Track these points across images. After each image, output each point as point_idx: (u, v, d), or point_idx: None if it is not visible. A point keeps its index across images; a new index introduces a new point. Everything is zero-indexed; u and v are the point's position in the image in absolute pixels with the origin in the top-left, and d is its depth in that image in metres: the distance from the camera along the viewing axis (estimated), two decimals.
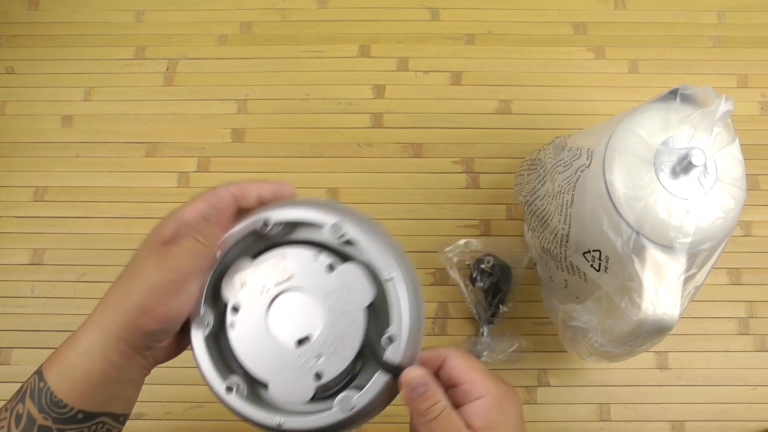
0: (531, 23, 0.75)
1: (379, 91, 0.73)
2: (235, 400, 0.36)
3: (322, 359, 0.35)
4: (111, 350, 0.35)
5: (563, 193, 0.50)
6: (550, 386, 0.64)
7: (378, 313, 0.37)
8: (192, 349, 0.37)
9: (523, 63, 0.74)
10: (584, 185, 0.47)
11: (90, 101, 0.73)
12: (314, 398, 0.36)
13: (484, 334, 0.64)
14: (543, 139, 0.66)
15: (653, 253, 0.44)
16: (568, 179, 0.49)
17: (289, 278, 0.37)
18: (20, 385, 0.37)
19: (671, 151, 0.44)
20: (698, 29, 0.75)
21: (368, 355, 0.36)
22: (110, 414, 0.37)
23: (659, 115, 0.46)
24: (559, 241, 0.52)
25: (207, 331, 0.37)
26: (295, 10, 0.76)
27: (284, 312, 0.36)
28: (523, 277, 0.66)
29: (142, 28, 0.75)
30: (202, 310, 0.37)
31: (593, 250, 0.48)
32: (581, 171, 0.48)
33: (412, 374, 0.34)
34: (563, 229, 0.51)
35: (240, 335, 0.36)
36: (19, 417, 0.35)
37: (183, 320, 0.36)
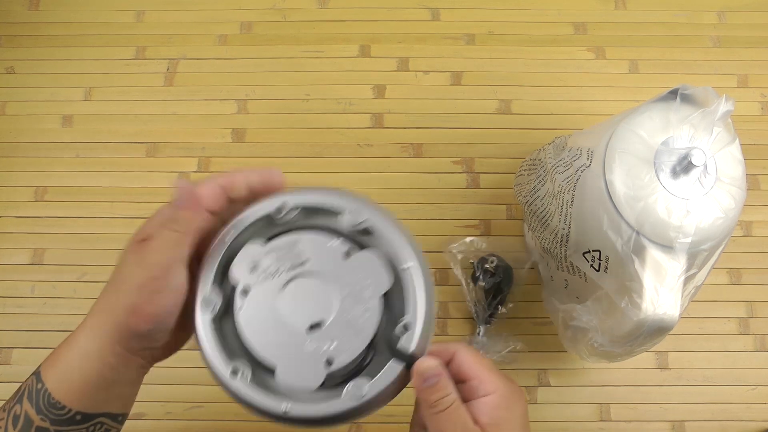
0: (531, 23, 0.75)
1: (380, 91, 0.73)
2: (239, 385, 0.35)
3: (333, 345, 0.35)
4: (107, 353, 0.35)
5: (563, 193, 0.50)
6: (550, 386, 0.64)
7: (391, 302, 0.36)
8: (195, 332, 0.36)
9: (523, 63, 0.74)
10: (584, 185, 0.47)
11: (90, 101, 0.73)
12: (322, 386, 0.35)
13: (480, 333, 0.64)
14: (543, 139, 0.66)
15: (653, 253, 0.44)
16: (568, 179, 0.49)
17: (303, 263, 0.36)
18: (19, 385, 0.37)
19: (671, 151, 0.44)
20: (698, 29, 0.75)
21: (380, 344, 0.36)
22: (109, 414, 0.37)
23: (659, 115, 0.46)
24: (559, 241, 0.52)
25: (213, 314, 0.36)
26: (295, 10, 0.76)
27: (297, 296, 0.36)
28: (523, 277, 0.66)
29: (142, 28, 0.75)
30: (209, 291, 0.36)
31: (593, 250, 0.48)
32: (581, 171, 0.48)
33: (426, 364, 0.34)
34: (563, 229, 0.51)
35: (248, 318, 0.36)
36: (16, 418, 0.35)
37: (175, 316, 0.35)
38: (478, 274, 0.64)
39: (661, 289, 0.44)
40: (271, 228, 0.38)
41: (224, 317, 0.37)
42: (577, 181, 0.48)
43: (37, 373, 0.36)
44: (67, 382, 0.35)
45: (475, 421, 0.34)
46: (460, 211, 0.69)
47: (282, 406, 0.34)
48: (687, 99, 0.46)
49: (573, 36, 0.75)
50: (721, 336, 0.65)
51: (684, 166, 0.43)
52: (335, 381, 0.35)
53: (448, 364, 0.36)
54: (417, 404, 0.38)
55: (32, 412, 0.35)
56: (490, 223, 0.68)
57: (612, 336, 0.48)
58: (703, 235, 0.44)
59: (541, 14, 0.75)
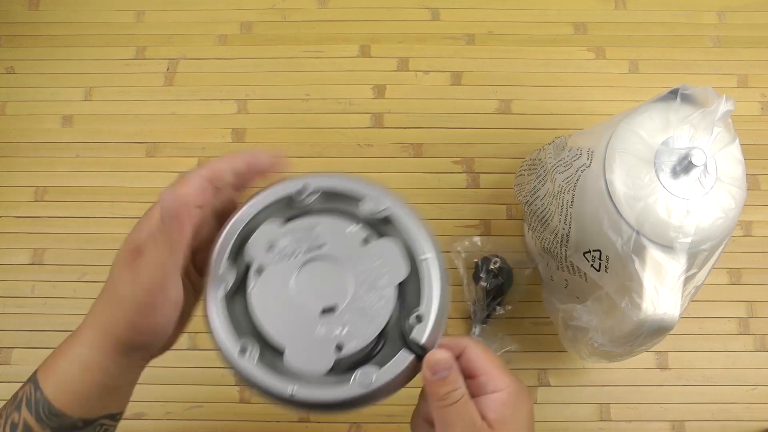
0: (531, 23, 0.75)
1: (380, 91, 0.73)
2: (247, 365, 0.34)
3: (345, 331, 0.35)
4: (108, 363, 0.35)
5: (563, 193, 0.50)
6: (550, 386, 0.64)
7: (405, 292, 0.36)
8: (206, 308, 0.36)
9: (523, 63, 0.74)
10: (584, 185, 0.47)
11: (90, 101, 0.73)
12: (331, 371, 0.35)
13: (476, 333, 0.64)
14: (543, 139, 0.66)
15: (653, 253, 0.44)
16: (569, 179, 0.49)
17: (320, 246, 0.36)
18: (15, 392, 0.37)
19: (671, 151, 0.44)
20: (698, 29, 0.75)
21: (391, 333, 0.36)
22: (109, 415, 0.37)
23: (659, 115, 0.46)
24: (559, 241, 0.52)
25: (225, 291, 0.36)
26: (295, 10, 0.76)
27: (312, 279, 0.36)
28: (523, 277, 0.66)
29: (142, 28, 0.75)
30: (223, 267, 0.36)
31: (593, 250, 0.48)
32: (581, 171, 0.48)
33: (438, 356, 0.34)
34: (563, 229, 0.51)
35: (261, 297, 0.35)
36: (14, 426, 0.35)
37: (174, 324, 0.36)
38: (481, 275, 0.64)
39: (661, 289, 0.44)
40: (289, 209, 0.38)
41: (236, 295, 0.36)
42: (577, 181, 0.48)
43: (34, 381, 0.36)
44: (68, 392, 0.35)
45: (483, 417, 0.34)
46: (460, 211, 0.69)
47: (288, 389, 0.34)
48: (687, 99, 0.46)
49: (573, 36, 0.75)
50: (721, 336, 0.65)
51: (684, 166, 0.43)
52: (344, 367, 0.35)
53: (457, 358, 0.36)
54: (422, 396, 0.38)
55: (32, 421, 0.35)
56: (490, 223, 0.68)
57: (612, 336, 0.48)
58: (703, 235, 0.44)
59: (541, 14, 0.75)
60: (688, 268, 0.44)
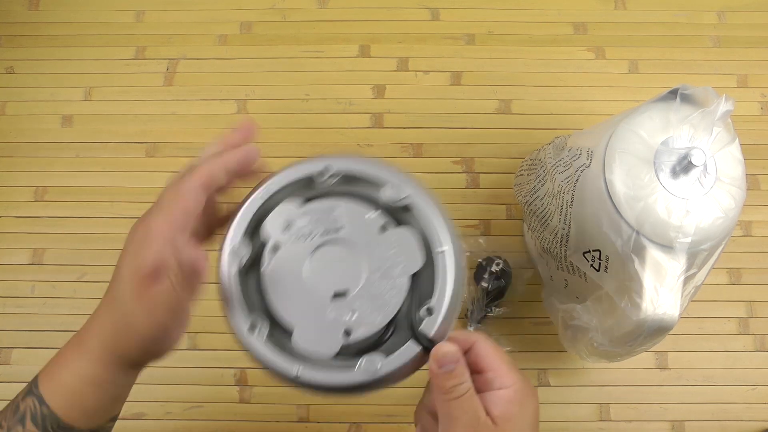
0: (531, 23, 0.75)
1: (379, 91, 0.73)
2: (255, 342, 0.35)
3: (354, 317, 0.35)
4: (118, 377, 0.36)
5: (563, 193, 0.50)
6: (550, 386, 0.64)
7: (419, 283, 0.36)
8: (220, 282, 0.36)
9: (523, 63, 0.74)
10: (584, 185, 0.47)
11: (90, 101, 0.73)
12: (338, 355, 0.35)
13: None
14: (543, 139, 0.66)
15: (653, 253, 0.44)
16: (568, 179, 0.49)
17: (338, 229, 0.36)
18: (15, 393, 0.37)
19: (671, 151, 0.44)
20: (698, 29, 0.75)
21: (401, 322, 0.36)
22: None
23: (659, 115, 0.46)
24: (559, 240, 0.52)
25: (239, 266, 0.36)
26: (295, 10, 0.76)
27: (326, 262, 0.36)
28: (523, 278, 0.66)
29: (142, 28, 0.75)
30: (239, 243, 0.36)
31: (593, 250, 0.48)
32: (581, 171, 0.48)
33: (445, 349, 0.34)
34: (563, 228, 0.51)
35: (274, 275, 0.35)
36: None
37: (181, 337, 0.36)
38: (485, 275, 0.63)
39: (661, 289, 0.44)
40: (309, 190, 0.37)
41: (250, 272, 0.36)
42: (577, 181, 0.48)
43: (38, 396, 0.35)
44: (79, 407, 0.35)
45: (487, 413, 0.34)
46: (459, 211, 0.69)
47: (294, 369, 0.34)
48: (687, 99, 0.46)
49: (573, 36, 0.75)
50: (721, 336, 0.65)
51: (684, 166, 0.43)
52: (351, 352, 0.35)
53: (466, 352, 0.36)
54: (427, 388, 0.38)
55: None
56: (489, 223, 0.68)
57: (612, 336, 0.48)
58: (702, 235, 0.44)
59: (541, 14, 0.75)
60: (688, 268, 0.44)
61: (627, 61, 0.73)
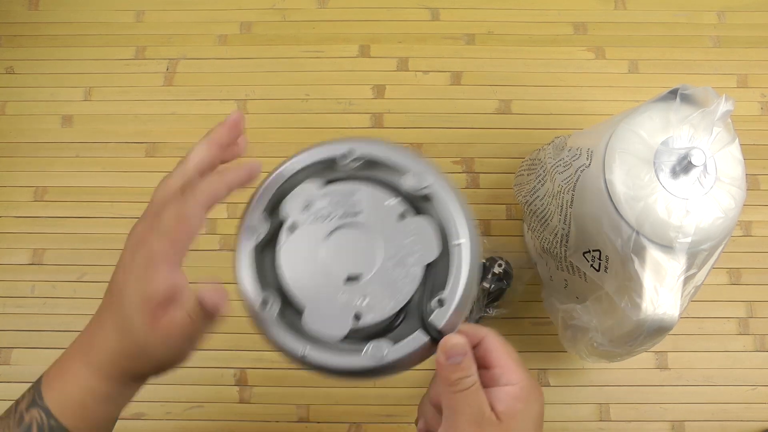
0: (531, 23, 0.75)
1: (379, 91, 0.73)
2: (265, 318, 0.35)
3: (366, 302, 0.35)
4: (128, 391, 0.37)
5: (563, 193, 0.50)
6: (550, 386, 0.64)
7: (433, 273, 0.36)
8: (234, 257, 0.36)
9: (523, 63, 0.74)
10: (584, 185, 0.47)
11: (90, 101, 0.73)
12: (346, 338, 0.35)
13: None
14: (543, 139, 0.66)
15: (653, 253, 0.44)
16: (568, 179, 0.49)
17: (356, 213, 0.36)
18: (15, 414, 0.36)
19: (671, 151, 0.44)
20: (698, 29, 0.75)
21: (412, 311, 0.36)
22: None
23: (659, 115, 0.46)
24: (558, 241, 0.52)
25: (256, 242, 0.36)
26: (295, 10, 0.76)
27: (342, 245, 0.36)
28: (522, 279, 0.66)
29: (142, 28, 0.75)
30: (257, 219, 0.36)
31: (593, 250, 0.48)
32: (581, 171, 0.48)
33: (454, 341, 0.34)
34: (563, 229, 0.51)
35: (290, 254, 0.36)
36: None
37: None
38: (487, 275, 0.63)
39: (661, 289, 0.44)
40: (331, 172, 0.38)
41: (266, 248, 0.37)
42: (576, 181, 0.48)
43: (44, 409, 0.35)
44: (87, 421, 0.35)
45: (492, 408, 0.34)
46: None
47: (301, 349, 0.34)
48: (687, 99, 0.46)
49: (573, 36, 0.75)
50: (721, 336, 0.65)
51: (684, 166, 0.43)
52: (359, 336, 0.35)
53: (474, 347, 0.36)
54: (433, 380, 0.38)
55: None
56: (489, 223, 0.68)
57: (612, 336, 0.48)
58: (702, 235, 0.44)
59: (541, 14, 0.75)
60: (688, 268, 0.44)
61: (627, 61, 0.73)
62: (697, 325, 0.65)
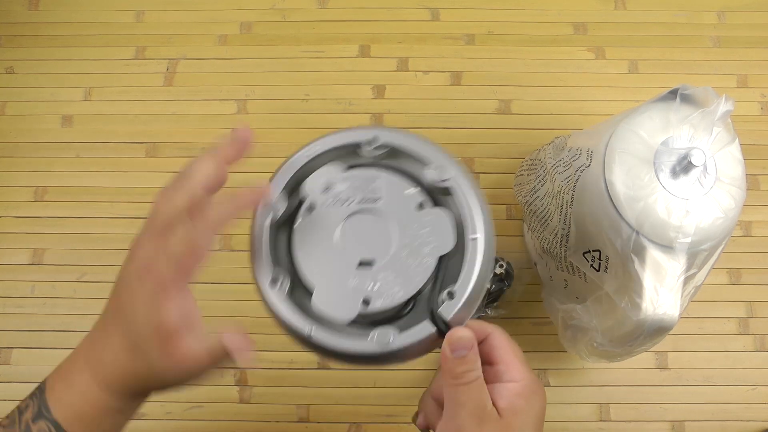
0: (531, 23, 0.75)
1: (379, 91, 0.73)
2: (275, 295, 0.35)
3: (376, 288, 0.35)
4: (135, 403, 0.36)
5: (563, 193, 0.50)
6: (550, 386, 0.64)
7: (445, 265, 0.36)
8: (251, 231, 0.36)
9: (523, 63, 0.74)
10: (584, 185, 0.47)
11: (90, 101, 0.73)
12: (353, 323, 0.35)
13: None
14: (543, 139, 0.66)
15: (653, 253, 0.44)
16: (568, 179, 0.49)
17: (375, 200, 0.36)
18: (18, 410, 0.36)
19: (671, 151, 0.44)
20: (698, 29, 0.75)
21: (421, 302, 0.36)
22: None
23: (659, 115, 0.46)
24: (558, 241, 0.52)
25: (272, 219, 0.36)
26: (295, 10, 0.76)
27: (358, 229, 0.36)
28: (522, 279, 0.66)
29: (142, 28, 0.75)
30: (277, 196, 0.36)
31: (593, 250, 0.48)
32: (581, 171, 0.48)
33: (460, 334, 0.34)
34: (563, 229, 0.51)
35: (305, 234, 0.36)
36: None
37: None
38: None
39: (661, 289, 0.44)
40: (354, 158, 0.38)
41: (282, 227, 0.37)
42: (576, 181, 0.48)
43: (54, 423, 0.35)
44: None
45: (493, 404, 0.34)
46: None
47: (308, 328, 0.35)
48: (687, 99, 0.46)
49: (573, 36, 0.75)
50: (721, 336, 0.65)
51: (684, 166, 0.43)
52: (366, 321, 0.36)
53: (480, 343, 0.36)
54: (436, 374, 0.38)
55: None
56: None
57: (612, 336, 0.48)
58: (702, 235, 0.44)
59: (541, 14, 0.75)
60: (688, 268, 0.44)
61: (627, 61, 0.73)
62: (697, 325, 0.65)
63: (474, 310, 0.36)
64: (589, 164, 0.47)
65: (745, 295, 0.66)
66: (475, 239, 0.36)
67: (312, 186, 0.37)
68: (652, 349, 0.51)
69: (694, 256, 0.45)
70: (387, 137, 0.37)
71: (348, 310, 0.35)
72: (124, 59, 0.74)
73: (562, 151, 0.52)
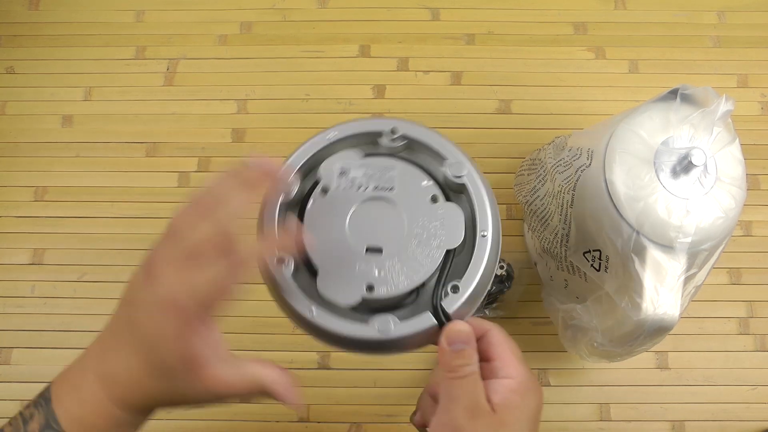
0: (531, 23, 0.75)
1: (379, 91, 0.73)
2: (280, 274, 0.35)
3: (382, 275, 0.35)
4: (146, 419, 0.37)
5: (563, 192, 0.50)
6: (550, 386, 0.64)
7: (452, 260, 0.36)
8: (261, 209, 0.36)
9: (523, 63, 0.74)
10: (584, 185, 0.47)
11: (90, 101, 0.73)
12: (356, 309, 0.35)
13: None
14: (543, 139, 0.66)
15: (653, 253, 0.44)
16: (568, 179, 0.49)
17: (390, 189, 0.37)
18: (23, 422, 0.35)
19: (671, 151, 0.44)
20: (698, 29, 0.75)
21: (424, 293, 0.36)
22: None
23: (659, 115, 0.46)
24: (559, 240, 0.52)
25: (285, 198, 0.36)
26: (295, 10, 0.76)
27: (369, 216, 0.36)
28: (522, 280, 0.66)
29: (142, 28, 0.75)
30: (291, 177, 0.36)
31: (593, 250, 0.48)
32: (581, 171, 0.48)
33: (458, 327, 0.34)
34: (563, 228, 0.51)
35: (316, 215, 0.36)
36: None
37: None
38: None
39: (661, 289, 0.44)
40: (373, 146, 0.38)
41: (292, 208, 0.37)
42: (577, 180, 0.48)
43: None
44: None
45: (488, 399, 0.34)
46: None
47: (310, 310, 0.35)
48: (687, 99, 0.46)
49: (573, 36, 0.75)
50: (721, 336, 0.65)
51: (684, 166, 0.43)
52: (370, 308, 0.36)
53: (478, 339, 0.36)
54: (434, 370, 0.39)
55: None
56: None
57: (612, 336, 0.48)
58: (703, 234, 0.44)
59: (541, 14, 0.75)
60: (688, 268, 0.44)
61: (627, 61, 0.73)
62: (697, 325, 0.65)
63: (476, 307, 0.36)
64: (590, 164, 0.47)
65: (745, 294, 0.66)
66: (485, 236, 0.36)
67: (327, 169, 0.37)
68: (653, 349, 0.51)
69: (695, 256, 0.45)
70: (406, 129, 0.38)
71: (352, 294, 0.35)
72: (124, 59, 0.74)
73: (562, 150, 0.52)
